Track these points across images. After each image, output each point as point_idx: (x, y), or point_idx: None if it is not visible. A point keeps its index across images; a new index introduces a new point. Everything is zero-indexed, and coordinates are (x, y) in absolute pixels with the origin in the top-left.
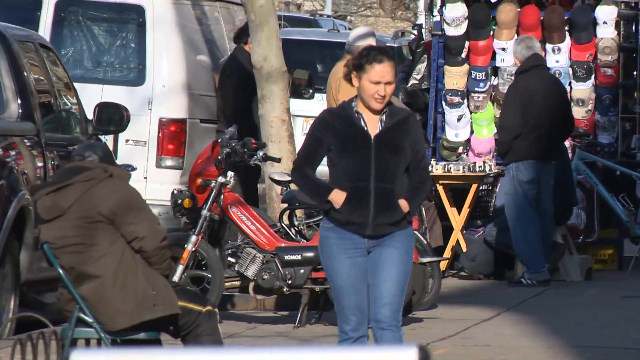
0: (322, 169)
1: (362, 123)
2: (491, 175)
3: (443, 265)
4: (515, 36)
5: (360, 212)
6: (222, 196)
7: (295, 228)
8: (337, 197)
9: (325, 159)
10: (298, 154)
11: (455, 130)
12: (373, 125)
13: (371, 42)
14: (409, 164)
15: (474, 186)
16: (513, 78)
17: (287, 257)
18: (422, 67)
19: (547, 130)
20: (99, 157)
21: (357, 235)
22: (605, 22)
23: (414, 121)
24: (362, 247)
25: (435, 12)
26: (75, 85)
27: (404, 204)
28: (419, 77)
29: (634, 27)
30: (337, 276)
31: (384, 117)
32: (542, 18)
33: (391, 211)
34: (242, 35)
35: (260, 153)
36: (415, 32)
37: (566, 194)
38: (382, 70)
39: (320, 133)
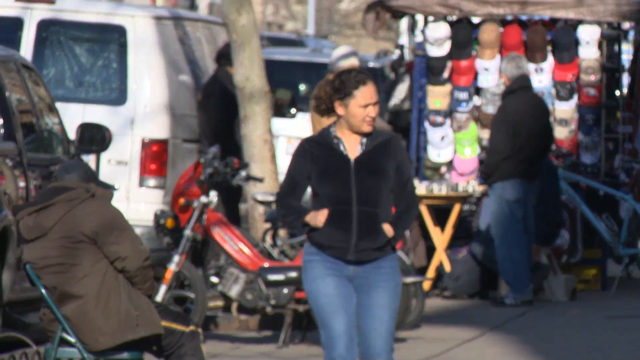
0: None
1: (342, 147)
2: (475, 196)
3: (427, 285)
4: (498, 56)
5: (342, 236)
6: (204, 216)
7: (279, 248)
8: (318, 215)
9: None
10: (280, 186)
11: (438, 150)
12: (353, 148)
13: (353, 61)
14: (395, 187)
15: (457, 206)
16: (497, 98)
17: (270, 277)
18: (404, 87)
19: (532, 150)
20: (81, 176)
21: (340, 262)
22: (587, 42)
23: (397, 143)
24: (347, 273)
25: (418, 32)
26: (57, 105)
27: (388, 228)
28: (401, 97)
29: (616, 47)
30: (322, 296)
31: (364, 139)
32: (524, 38)
33: (374, 236)
34: (222, 57)
35: (243, 173)
36: (397, 51)
37: (554, 214)
38: (369, 92)
39: (300, 162)
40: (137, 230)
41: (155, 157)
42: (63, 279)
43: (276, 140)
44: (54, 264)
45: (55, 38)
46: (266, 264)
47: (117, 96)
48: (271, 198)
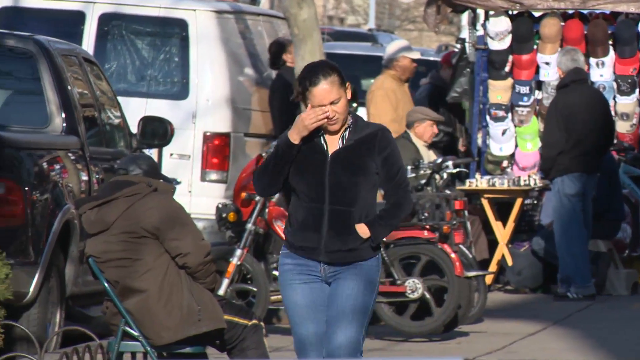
0: None
1: (322, 141)
2: (536, 189)
3: (489, 279)
4: (559, 49)
5: (313, 235)
6: (266, 210)
7: None
8: (304, 119)
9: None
10: (254, 171)
11: (499, 144)
12: (334, 142)
13: (405, 54)
14: (383, 182)
15: (519, 200)
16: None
17: None
18: (464, 80)
19: (591, 144)
20: (144, 170)
21: (312, 261)
22: None
23: (384, 136)
24: (319, 274)
25: (479, 26)
26: (119, 99)
27: (362, 229)
28: (460, 90)
29: None
30: (291, 305)
31: (346, 133)
32: (585, 32)
33: (344, 236)
34: (276, 58)
35: None
36: (458, 46)
37: (615, 208)
38: (319, 93)
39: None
40: (199, 224)
41: (217, 150)
42: (125, 274)
43: None
44: (117, 259)
45: (116, 32)
46: None
47: (179, 90)
48: None
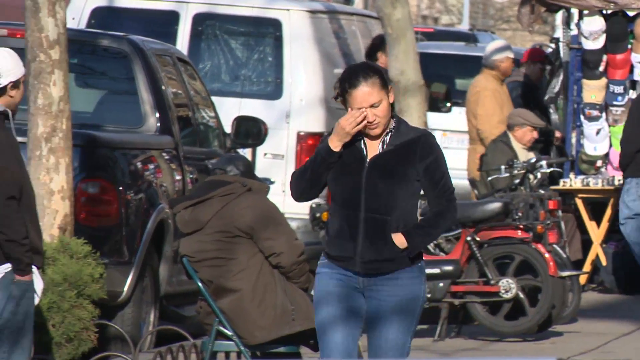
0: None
1: (362, 145)
2: None
3: (583, 279)
4: None
5: (348, 244)
6: None
7: (434, 242)
8: (344, 122)
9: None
10: (291, 175)
11: (593, 144)
12: (374, 146)
13: (508, 55)
14: (426, 190)
15: (613, 200)
16: None
17: (426, 271)
18: (558, 80)
19: None
20: (240, 171)
21: (349, 271)
22: None
23: (427, 142)
24: (357, 285)
25: (573, 26)
26: (213, 98)
27: (399, 238)
28: (555, 90)
29: None
30: (322, 308)
31: (387, 137)
32: None
33: (379, 246)
34: (373, 51)
35: None
36: (552, 45)
37: None
38: (359, 95)
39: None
40: (293, 224)
41: (311, 150)
42: (219, 273)
43: None
44: (211, 258)
45: (210, 31)
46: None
47: (273, 90)
48: None
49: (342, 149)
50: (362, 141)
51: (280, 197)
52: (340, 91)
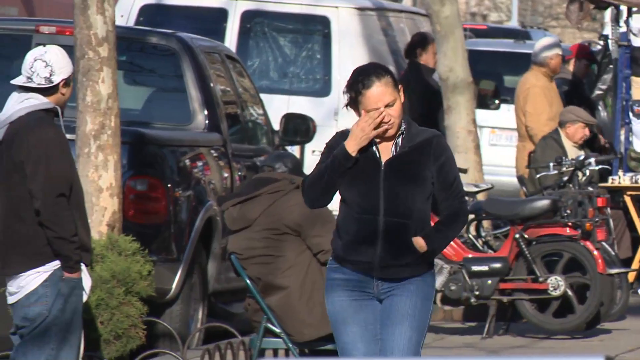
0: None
1: (374, 147)
2: None
3: (631, 276)
4: None
5: (366, 249)
6: None
7: (482, 239)
8: (361, 123)
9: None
10: (302, 181)
11: None
12: (386, 149)
13: (557, 52)
14: (438, 192)
15: None
16: None
17: (474, 268)
18: (607, 77)
19: None
20: (289, 168)
21: (365, 276)
22: None
23: (439, 143)
24: (371, 291)
25: (622, 23)
26: (262, 96)
27: (419, 242)
28: (604, 87)
29: None
30: (340, 326)
31: (399, 140)
32: None
33: (401, 250)
34: (412, 48)
35: None
36: (601, 42)
37: None
38: (375, 95)
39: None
40: None
41: None
42: (267, 270)
43: (480, 132)
44: (259, 255)
45: (259, 29)
46: (470, 255)
47: (321, 87)
48: (475, 189)
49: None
50: (374, 145)
51: None
52: (353, 95)
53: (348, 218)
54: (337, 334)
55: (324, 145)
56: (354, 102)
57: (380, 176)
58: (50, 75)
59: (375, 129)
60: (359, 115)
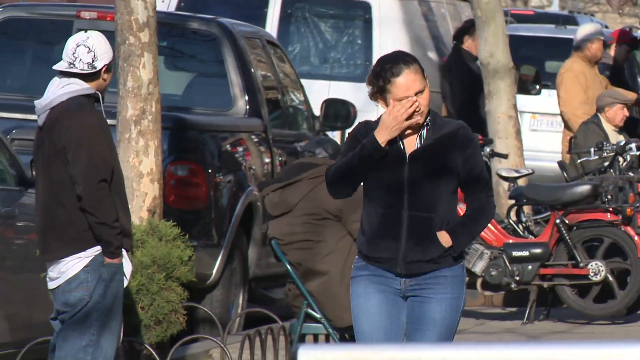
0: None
1: (398, 138)
2: None
3: None
4: None
5: (390, 245)
6: None
7: (523, 224)
8: (393, 112)
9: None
10: (327, 171)
11: None
12: (411, 141)
13: (598, 37)
14: (463, 186)
15: None
16: None
17: (514, 254)
18: None
19: None
20: (329, 153)
21: (390, 273)
22: None
23: (466, 134)
24: (398, 287)
25: None
26: (302, 81)
27: (444, 237)
28: None
29: None
30: (362, 316)
31: (424, 131)
32: None
33: (425, 246)
34: (460, 34)
35: (487, 149)
36: None
37: None
38: (405, 82)
39: (353, 149)
40: None
41: None
42: (308, 255)
43: (520, 117)
44: (299, 240)
45: (300, 14)
46: (511, 241)
47: (362, 72)
48: (516, 174)
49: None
50: (398, 135)
51: None
52: (381, 84)
53: (371, 213)
54: (358, 325)
55: (347, 135)
56: (382, 92)
57: (404, 169)
58: (93, 60)
59: (407, 119)
60: (387, 105)
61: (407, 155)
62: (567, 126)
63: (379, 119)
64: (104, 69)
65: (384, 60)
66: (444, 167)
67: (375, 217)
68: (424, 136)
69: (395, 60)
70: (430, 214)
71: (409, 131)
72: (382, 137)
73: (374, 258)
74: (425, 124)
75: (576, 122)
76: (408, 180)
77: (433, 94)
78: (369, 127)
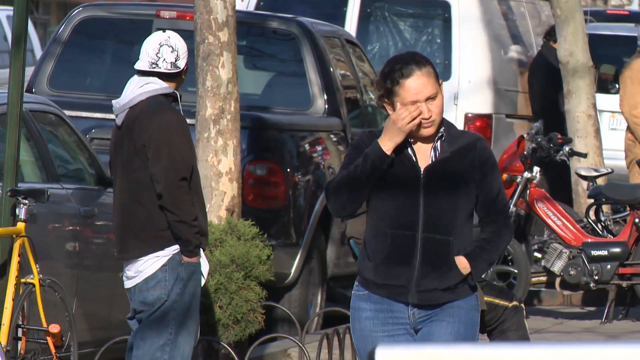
0: None
1: (410, 151)
2: None
3: None
4: None
5: (401, 271)
6: (528, 191)
7: (602, 223)
8: (399, 119)
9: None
10: (326, 187)
11: None
12: (424, 154)
13: None
14: (480, 206)
15: None
16: None
17: (593, 253)
18: None
19: None
20: None
21: (399, 304)
22: None
23: (483, 147)
24: (406, 321)
25: None
26: None
27: (462, 262)
28: None
29: None
30: None
31: (438, 143)
32: None
33: (443, 272)
34: (552, 32)
35: (566, 148)
36: None
37: None
38: (415, 85)
39: (355, 161)
40: None
41: (479, 132)
42: None
43: (600, 116)
44: None
45: (379, 13)
46: (589, 240)
47: (441, 71)
48: (595, 173)
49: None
50: (409, 147)
51: None
52: (389, 86)
53: (379, 234)
54: None
55: (350, 147)
56: (390, 95)
57: (419, 185)
58: (176, 60)
59: (416, 134)
60: (394, 110)
61: (422, 169)
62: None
63: (382, 128)
64: (184, 69)
65: (395, 60)
66: (463, 183)
67: (384, 238)
68: (439, 149)
69: (407, 61)
70: (448, 236)
71: (422, 142)
72: (385, 144)
73: (381, 286)
74: (440, 134)
75: (633, 123)
76: (424, 197)
77: (512, 93)
78: (373, 136)
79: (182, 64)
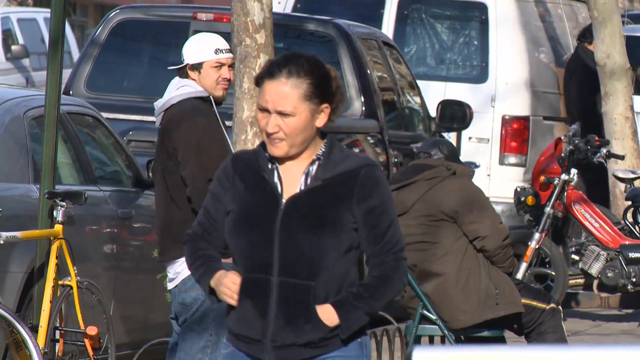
0: None
1: (275, 178)
2: None
3: None
4: None
5: (256, 323)
6: (565, 193)
7: (639, 226)
8: (224, 281)
9: None
10: (194, 223)
11: None
12: (293, 180)
13: None
14: (365, 244)
15: None
16: None
17: (631, 255)
18: None
19: None
20: (445, 155)
21: None
22: None
23: (370, 176)
24: None
25: None
26: (418, 82)
27: (327, 312)
28: None
29: None
30: None
31: (313, 168)
32: None
33: (298, 325)
34: (586, 34)
35: (604, 150)
36: None
37: None
38: (270, 91)
39: (218, 190)
40: (498, 208)
41: (516, 134)
42: (423, 257)
43: (637, 118)
44: (415, 242)
45: (416, 15)
46: (627, 242)
47: (478, 73)
48: (632, 175)
49: (245, 182)
50: (274, 171)
51: (485, 180)
52: (258, 82)
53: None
54: None
55: (214, 177)
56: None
57: (277, 218)
58: None
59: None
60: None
61: (285, 200)
62: None
63: (257, 147)
64: None
65: (281, 55)
66: (333, 219)
67: (242, 282)
68: (312, 174)
69: (281, 61)
70: (309, 281)
71: (291, 164)
72: (206, 289)
73: (240, 337)
74: (316, 158)
75: None
76: (280, 234)
77: (550, 95)
78: (239, 163)
79: None
